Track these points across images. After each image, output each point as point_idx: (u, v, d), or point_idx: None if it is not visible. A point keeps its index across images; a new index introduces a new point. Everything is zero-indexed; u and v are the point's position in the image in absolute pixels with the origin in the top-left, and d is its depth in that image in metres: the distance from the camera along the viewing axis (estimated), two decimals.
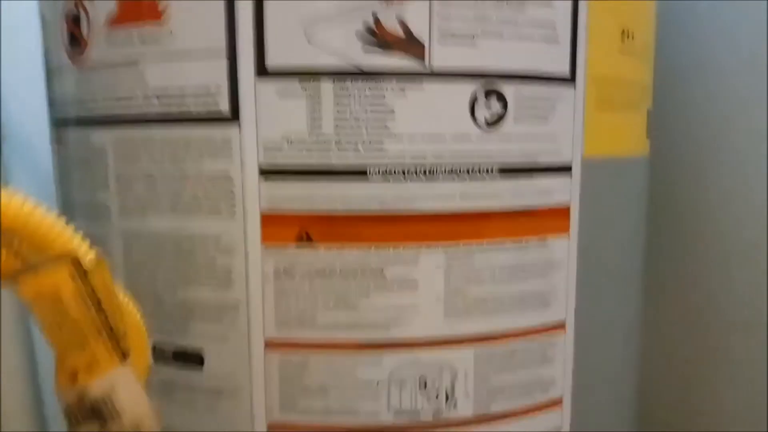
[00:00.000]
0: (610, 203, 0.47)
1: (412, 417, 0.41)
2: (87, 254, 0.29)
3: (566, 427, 0.45)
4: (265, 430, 0.41)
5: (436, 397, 0.41)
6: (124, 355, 0.31)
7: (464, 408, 0.42)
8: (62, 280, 0.28)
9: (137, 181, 0.42)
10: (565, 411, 0.45)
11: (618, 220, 0.48)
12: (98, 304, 0.29)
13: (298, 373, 0.40)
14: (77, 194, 0.46)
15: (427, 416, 0.41)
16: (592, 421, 0.48)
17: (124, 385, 0.31)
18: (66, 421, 0.30)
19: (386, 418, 0.41)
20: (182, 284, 0.41)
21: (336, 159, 0.38)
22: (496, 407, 0.42)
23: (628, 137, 0.48)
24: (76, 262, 0.28)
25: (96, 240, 0.45)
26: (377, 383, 0.40)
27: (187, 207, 0.40)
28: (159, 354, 0.43)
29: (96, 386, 0.30)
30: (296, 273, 0.39)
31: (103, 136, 0.43)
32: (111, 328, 0.30)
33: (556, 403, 0.45)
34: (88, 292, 0.29)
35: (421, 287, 0.40)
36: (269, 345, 0.40)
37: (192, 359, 0.42)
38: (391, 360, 0.40)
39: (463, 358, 0.41)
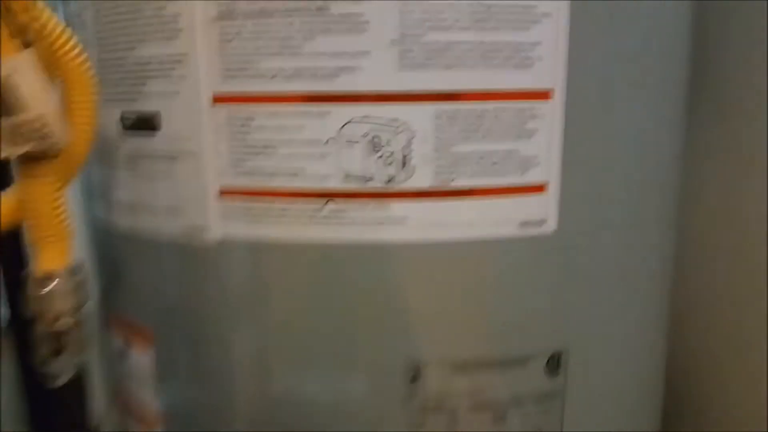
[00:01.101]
0: None
1: (363, 183, 0.37)
2: None
3: (552, 220, 0.39)
4: (217, 194, 0.40)
5: (390, 162, 0.37)
6: (25, 45, 0.30)
7: (422, 177, 0.37)
8: None
9: None
10: (551, 200, 0.39)
11: None
12: None
13: (245, 131, 0.38)
14: None
15: (379, 183, 0.37)
16: (589, 221, 0.41)
17: (28, 77, 0.30)
18: None
19: (335, 183, 0.38)
20: (137, 42, 0.40)
21: None
22: (461, 181, 0.37)
23: None
24: None
25: (77, 15, 0.45)
26: (325, 142, 0.37)
27: None
28: (125, 124, 0.43)
29: None
30: (237, 13, 0.36)
31: None
32: (8, 11, 0.29)
33: (539, 188, 0.39)
34: None
35: (372, 29, 0.35)
36: (217, 99, 0.38)
37: (149, 124, 0.41)
38: (339, 115, 0.37)
39: (421, 117, 0.36)
